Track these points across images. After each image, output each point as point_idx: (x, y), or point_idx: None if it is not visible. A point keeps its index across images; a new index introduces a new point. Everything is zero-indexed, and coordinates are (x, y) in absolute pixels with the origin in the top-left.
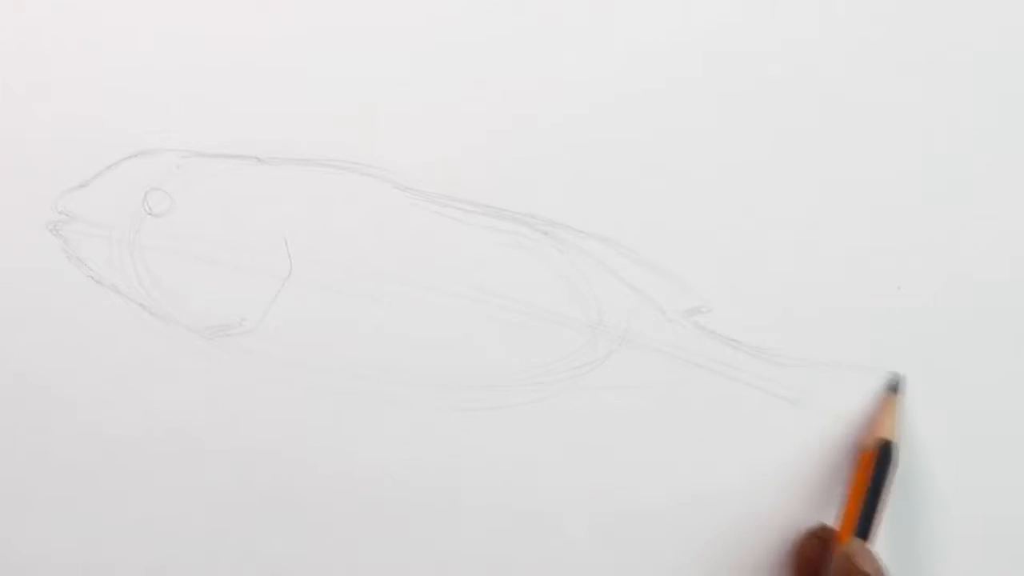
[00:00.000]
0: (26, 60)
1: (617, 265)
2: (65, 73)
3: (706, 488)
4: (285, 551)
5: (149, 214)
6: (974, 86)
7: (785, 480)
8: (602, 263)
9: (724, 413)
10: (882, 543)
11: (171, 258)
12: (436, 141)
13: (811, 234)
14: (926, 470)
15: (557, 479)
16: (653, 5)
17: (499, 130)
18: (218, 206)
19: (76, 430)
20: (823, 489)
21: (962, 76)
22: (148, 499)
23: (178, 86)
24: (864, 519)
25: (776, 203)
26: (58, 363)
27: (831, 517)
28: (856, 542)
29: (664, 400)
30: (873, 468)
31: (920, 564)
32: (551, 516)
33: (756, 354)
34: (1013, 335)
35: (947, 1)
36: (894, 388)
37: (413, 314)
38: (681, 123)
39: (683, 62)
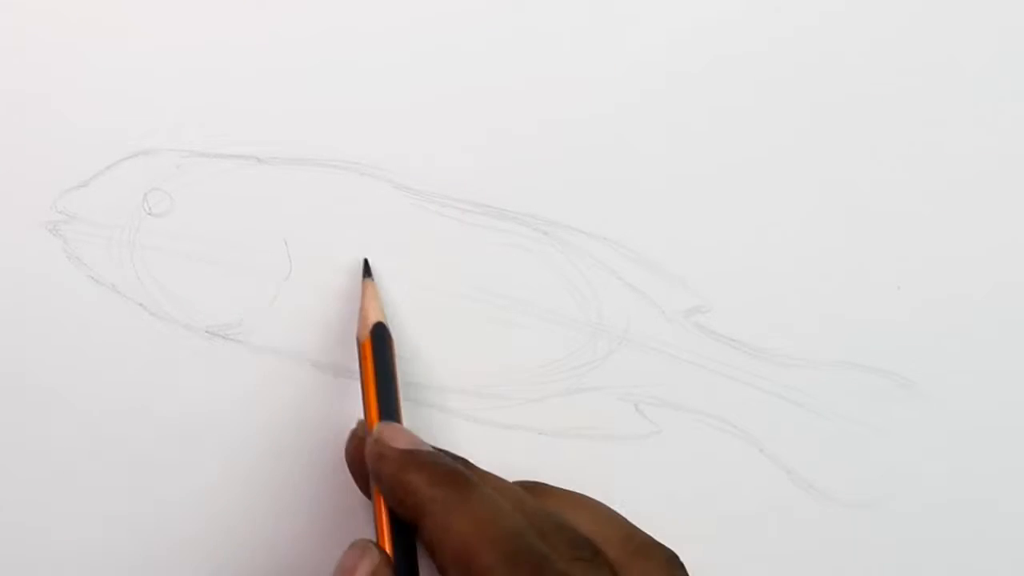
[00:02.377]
0: (26, 60)
1: (617, 265)
2: (65, 73)
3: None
4: (285, 549)
5: (149, 214)
6: (975, 86)
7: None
8: (602, 263)
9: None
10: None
11: (171, 258)
12: (436, 141)
13: (811, 234)
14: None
15: (557, 479)
16: (654, 5)
17: (499, 130)
18: (218, 206)
19: (75, 430)
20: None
21: (963, 76)
22: (147, 498)
23: (178, 86)
24: (385, 403)
25: (776, 203)
26: (57, 363)
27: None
28: (381, 425)
29: (664, 400)
30: (374, 352)
31: None
32: None
33: (756, 354)
34: (1013, 335)
35: (948, 1)
36: (368, 273)
37: (412, 314)
38: (681, 123)
39: (683, 62)
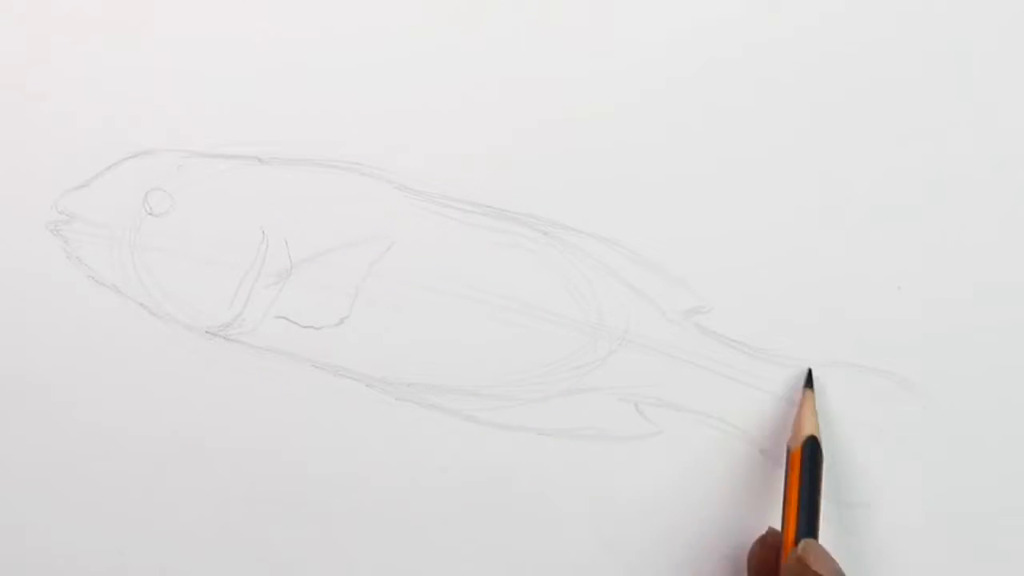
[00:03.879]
0: (27, 60)
1: (617, 265)
2: (65, 73)
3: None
4: (285, 550)
5: (149, 214)
6: (975, 85)
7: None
8: (602, 263)
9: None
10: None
11: (171, 258)
12: (436, 141)
13: (811, 234)
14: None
15: (557, 480)
16: (654, 5)
17: (499, 130)
18: (218, 206)
19: (76, 430)
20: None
21: (963, 75)
22: (148, 499)
23: (178, 86)
24: (807, 518)
25: (776, 203)
26: (58, 363)
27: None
28: (806, 543)
29: (664, 400)
30: (802, 465)
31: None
32: (551, 517)
33: (756, 354)
34: (1013, 335)
35: (948, 1)
36: (810, 383)
37: (412, 314)
38: (681, 123)
39: (683, 62)
